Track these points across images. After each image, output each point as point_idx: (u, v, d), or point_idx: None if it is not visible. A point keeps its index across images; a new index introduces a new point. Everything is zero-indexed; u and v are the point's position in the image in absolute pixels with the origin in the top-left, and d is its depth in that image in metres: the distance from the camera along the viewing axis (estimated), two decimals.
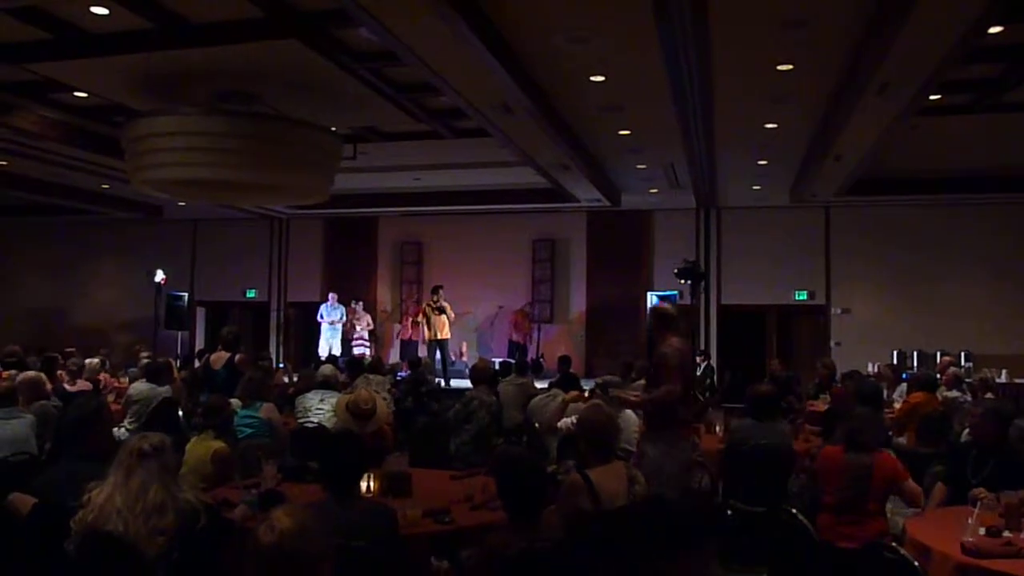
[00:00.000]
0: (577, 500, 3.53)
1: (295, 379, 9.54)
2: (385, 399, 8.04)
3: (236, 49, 7.73)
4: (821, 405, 8.41)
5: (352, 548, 2.90)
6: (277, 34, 7.44)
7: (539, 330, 15.45)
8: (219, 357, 7.67)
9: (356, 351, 14.36)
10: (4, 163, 12.78)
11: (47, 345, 12.38)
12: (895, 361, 13.13)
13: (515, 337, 15.05)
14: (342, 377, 8.25)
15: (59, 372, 8.90)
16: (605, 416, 4.04)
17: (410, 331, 15.58)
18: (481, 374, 7.61)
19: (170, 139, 8.74)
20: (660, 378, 4.97)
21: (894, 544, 3.53)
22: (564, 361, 10.52)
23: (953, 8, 5.85)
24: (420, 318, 14.00)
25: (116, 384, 9.66)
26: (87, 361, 9.55)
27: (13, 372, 7.55)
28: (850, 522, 4.15)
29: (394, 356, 15.32)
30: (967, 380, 10.56)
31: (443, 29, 6.21)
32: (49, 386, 7.61)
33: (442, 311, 13.57)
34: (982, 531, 3.41)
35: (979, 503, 3.64)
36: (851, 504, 4.17)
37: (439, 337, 13.65)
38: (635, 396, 5.35)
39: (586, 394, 7.00)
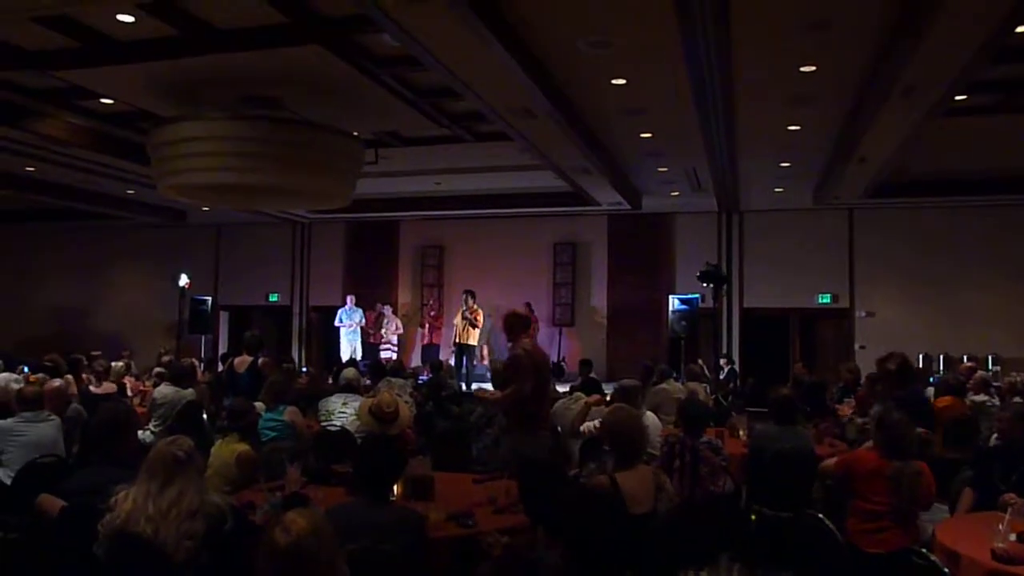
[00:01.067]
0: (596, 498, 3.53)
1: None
2: (407, 403, 8.07)
3: (260, 55, 7.80)
4: (846, 410, 8.33)
5: (379, 551, 2.91)
6: (300, 40, 7.49)
7: (560, 333, 15.43)
8: (243, 361, 7.73)
9: (384, 355, 14.41)
10: (31, 168, 12.96)
11: (71, 348, 12.51)
12: (920, 365, 12.98)
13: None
14: (365, 381, 8.28)
15: (84, 375, 9.00)
16: (629, 419, 4.03)
17: (429, 336, 15.61)
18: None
19: (195, 144, 8.83)
20: (513, 379, 5.37)
21: (924, 550, 3.48)
22: (585, 364, 10.50)
23: (979, 8, 5.78)
24: (457, 320, 14.01)
25: (141, 387, 9.75)
26: (113, 364, 9.66)
27: (42, 376, 7.64)
28: (884, 528, 4.07)
29: (416, 360, 15.36)
30: (995, 384, 10.43)
31: (465, 34, 6.22)
32: (74, 388, 7.73)
33: (472, 323, 13.60)
34: (1013, 537, 3.36)
35: (1010, 508, 3.59)
36: (899, 512, 4.06)
37: (465, 342, 13.67)
38: (491, 395, 5.95)
39: (608, 398, 6.96)
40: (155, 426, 7.14)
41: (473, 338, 13.80)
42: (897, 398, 6.08)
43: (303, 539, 2.18)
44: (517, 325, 5.69)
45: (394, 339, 15.04)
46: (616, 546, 3.24)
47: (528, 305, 14.99)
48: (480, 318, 13.84)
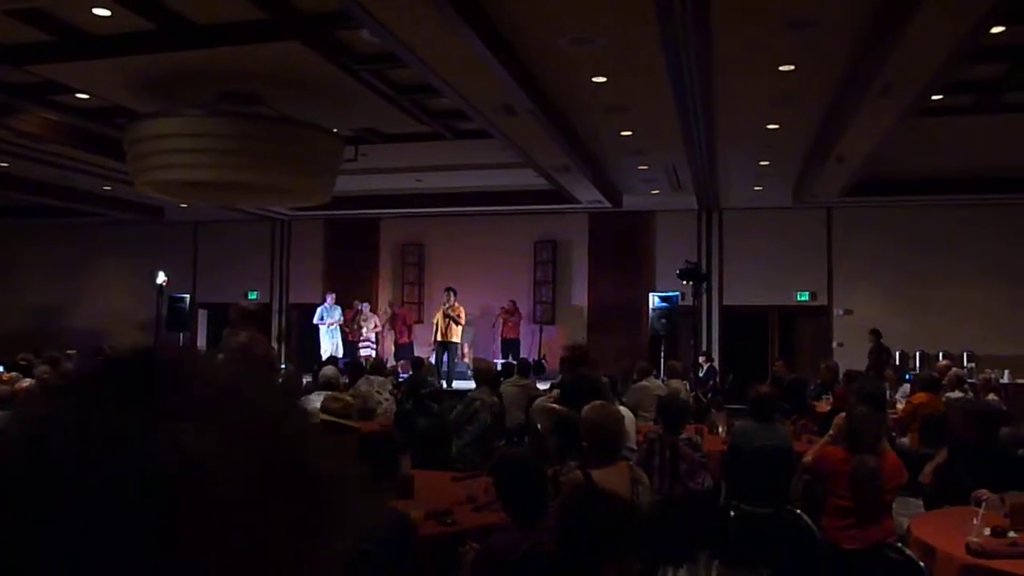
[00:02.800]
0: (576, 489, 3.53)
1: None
2: (387, 400, 8.06)
3: (238, 50, 7.74)
4: (824, 406, 8.40)
5: (362, 550, 2.89)
6: (279, 36, 7.45)
7: (541, 331, 15.45)
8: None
9: (363, 352, 14.35)
10: (5, 165, 12.79)
11: (48, 345, 12.37)
12: (897, 362, 13.12)
13: (504, 333, 15.02)
14: (344, 379, 8.24)
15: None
16: (609, 416, 4.03)
17: (401, 334, 15.50)
18: (483, 375, 7.61)
19: (172, 141, 8.75)
20: None
21: (899, 545, 3.51)
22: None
23: (956, 8, 5.84)
24: (438, 318, 13.95)
25: None
26: None
27: (15, 375, 7.55)
28: (857, 524, 4.12)
29: (389, 359, 15.29)
30: (969, 381, 10.56)
31: (445, 31, 6.21)
32: None
33: (454, 320, 13.56)
34: (987, 531, 3.40)
35: (984, 503, 3.63)
36: (867, 507, 4.12)
37: (445, 339, 13.64)
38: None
39: None
40: None
41: (455, 335, 13.78)
42: (860, 390, 6.16)
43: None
44: (245, 318, 6.01)
45: (373, 337, 14.97)
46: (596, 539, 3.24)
47: (513, 302, 15.06)
48: (462, 315, 13.81)
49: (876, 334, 12.94)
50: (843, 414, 4.93)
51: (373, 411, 7.58)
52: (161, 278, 14.91)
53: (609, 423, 3.93)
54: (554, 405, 6.82)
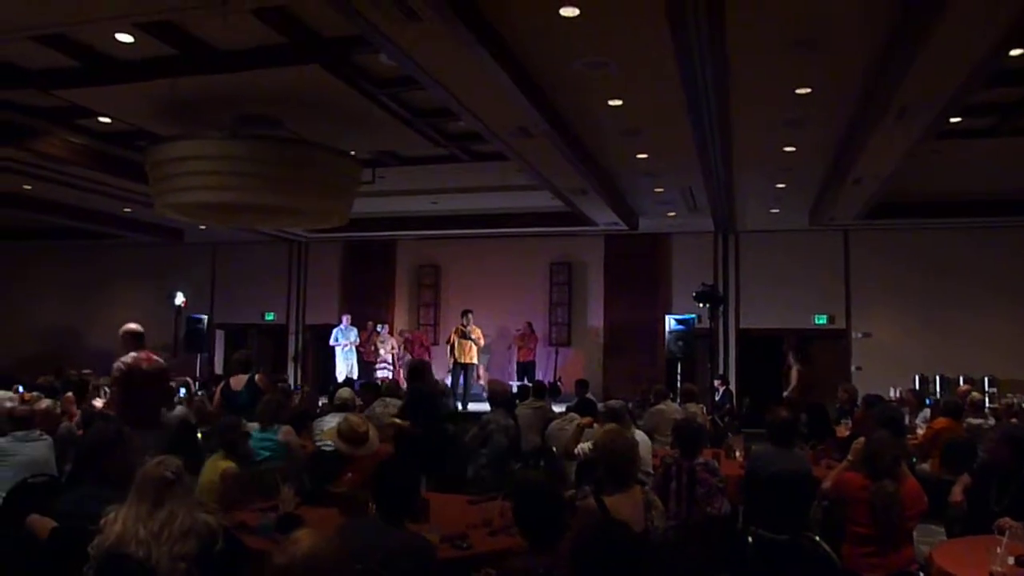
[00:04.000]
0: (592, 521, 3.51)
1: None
2: (395, 419, 8.03)
3: (258, 74, 7.83)
4: (843, 431, 8.31)
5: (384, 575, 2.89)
6: (298, 60, 7.53)
7: (556, 353, 15.41)
8: (239, 380, 7.70)
9: (380, 374, 14.36)
10: (28, 187, 12.97)
11: (65, 367, 12.45)
12: (917, 386, 12.97)
13: (520, 357, 14.99)
14: (359, 401, 8.24)
15: (68, 395, 8.88)
16: (623, 441, 4.01)
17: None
18: (499, 397, 7.59)
19: (193, 163, 8.84)
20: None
21: (921, 574, 3.46)
22: (582, 385, 10.47)
23: (973, 31, 5.82)
24: (452, 340, 13.95)
25: None
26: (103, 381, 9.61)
27: (35, 395, 7.61)
28: (878, 552, 4.05)
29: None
30: (990, 406, 10.42)
31: (461, 54, 6.26)
32: (73, 408, 7.70)
33: (467, 336, 13.55)
34: (1011, 560, 3.34)
35: (1008, 532, 3.57)
36: (887, 534, 4.06)
37: (464, 361, 13.61)
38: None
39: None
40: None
41: (472, 356, 13.76)
42: (879, 415, 6.09)
43: (297, 562, 2.17)
44: (135, 339, 6.64)
45: (389, 358, 14.99)
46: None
47: (529, 324, 15.05)
48: (481, 337, 13.80)
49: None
50: (861, 439, 4.87)
51: (388, 432, 7.56)
52: (179, 299, 15.03)
53: (622, 449, 3.91)
54: (395, 419, 6.94)
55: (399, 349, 15.45)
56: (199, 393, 10.48)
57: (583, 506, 3.64)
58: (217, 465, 4.75)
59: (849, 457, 4.87)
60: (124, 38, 7.25)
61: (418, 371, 7.21)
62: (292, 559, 2.17)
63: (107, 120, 9.79)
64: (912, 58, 6.17)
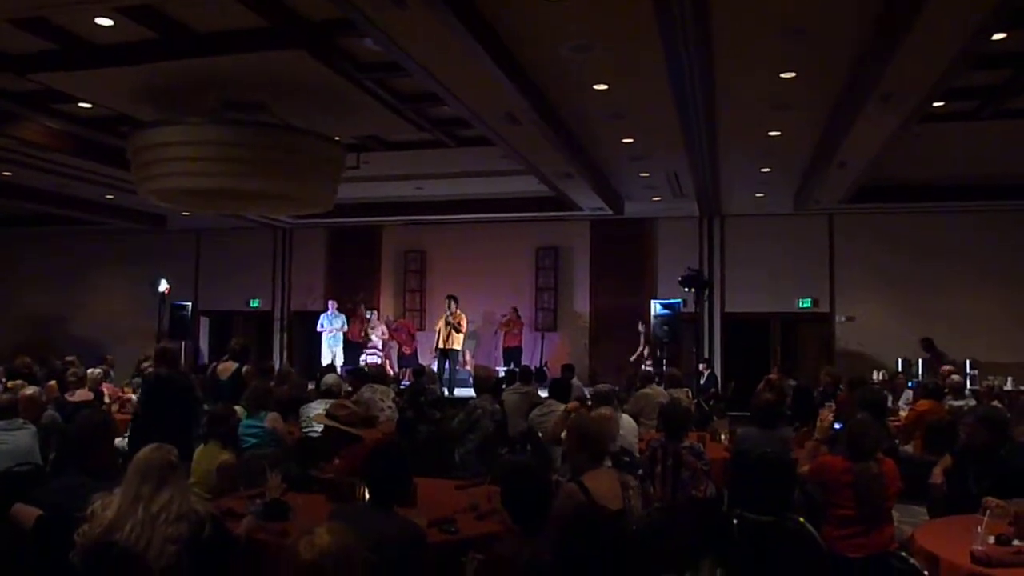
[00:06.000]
0: (574, 505, 3.56)
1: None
2: (389, 407, 8.04)
3: (241, 59, 7.75)
4: (827, 414, 8.36)
5: (375, 561, 2.90)
6: (282, 44, 7.46)
7: (542, 338, 15.43)
8: (226, 368, 7.67)
9: (369, 359, 14.31)
10: (8, 173, 12.82)
11: (48, 355, 12.36)
12: (899, 369, 13.09)
13: (506, 342, 14.98)
14: (346, 387, 8.23)
15: (51, 383, 8.82)
16: (596, 423, 4.11)
17: (408, 346, 15.46)
18: (484, 383, 7.60)
19: (176, 149, 8.76)
20: None
21: (903, 553, 3.50)
22: (567, 369, 10.50)
23: (957, 15, 5.85)
24: (440, 325, 13.88)
25: (120, 394, 9.64)
26: (89, 371, 9.53)
27: (19, 383, 7.54)
28: (862, 532, 4.10)
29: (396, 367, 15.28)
30: (972, 388, 10.54)
31: (446, 39, 6.22)
32: (50, 396, 7.63)
33: (455, 328, 13.48)
34: (992, 540, 3.39)
35: (988, 511, 3.62)
36: (869, 515, 4.10)
37: (447, 346, 13.57)
38: None
39: (589, 403, 6.96)
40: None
41: (457, 343, 13.70)
42: (861, 397, 6.15)
43: (327, 557, 2.17)
44: None
45: (379, 343, 14.96)
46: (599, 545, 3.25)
47: (514, 309, 15.04)
48: (463, 323, 13.73)
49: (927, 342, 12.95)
50: (827, 414, 4.95)
51: (376, 419, 7.57)
52: (163, 286, 14.94)
53: (595, 430, 4.01)
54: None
55: (389, 336, 15.43)
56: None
57: (565, 489, 3.69)
58: (213, 456, 4.74)
59: (817, 436, 4.92)
60: (104, 21, 7.15)
61: (160, 357, 6.99)
62: (319, 555, 2.17)
63: (87, 105, 9.68)
64: (898, 42, 6.19)
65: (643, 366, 13.20)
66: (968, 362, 13.02)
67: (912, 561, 3.31)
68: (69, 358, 10.65)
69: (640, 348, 14.20)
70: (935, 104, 8.40)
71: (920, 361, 13.38)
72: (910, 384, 10.91)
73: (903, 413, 8.48)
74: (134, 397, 7.92)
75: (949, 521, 4.12)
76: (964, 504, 4.13)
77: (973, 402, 8.59)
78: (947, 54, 6.58)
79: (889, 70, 6.81)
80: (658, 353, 13.36)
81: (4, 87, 9.06)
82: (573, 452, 4.08)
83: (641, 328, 14.24)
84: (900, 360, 13.45)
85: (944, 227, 13.94)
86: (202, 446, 5.02)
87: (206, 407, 7.07)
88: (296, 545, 2.21)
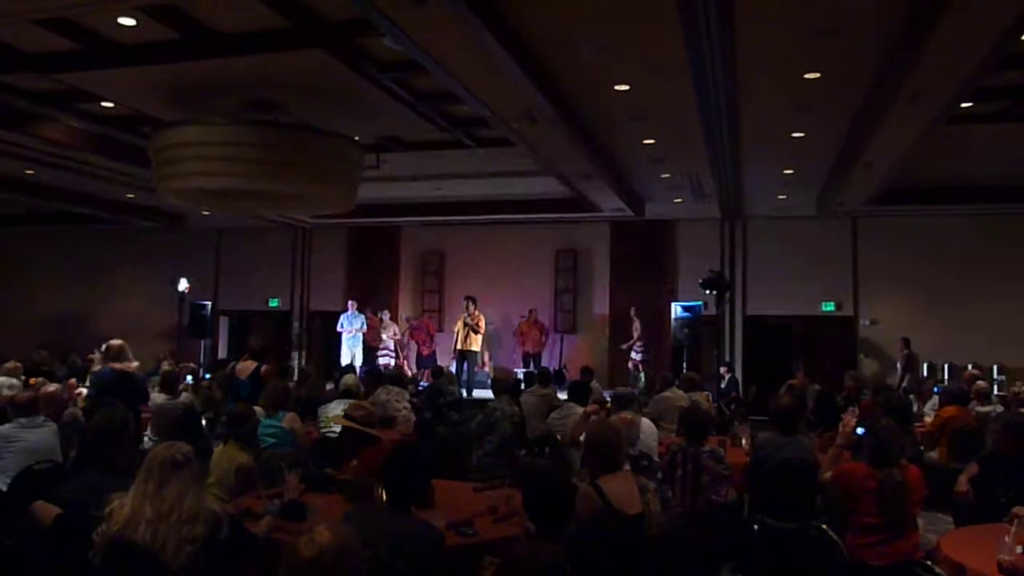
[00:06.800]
0: (590, 509, 3.55)
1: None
2: (405, 408, 8.06)
3: (262, 59, 7.81)
4: (849, 419, 8.28)
5: (392, 562, 2.90)
6: (302, 44, 7.51)
7: (561, 340, 15.42)
8: (245, 367, 7.73)
9: (381, 361, 14.38)
10: (30, 172, 12.97)
11: (69, 353, 12.50)
12: (925, 374, 12.96)
13: (527, 348, 14.97)
14: (362, 388, 8.25)
15: (71, 381, 8.89)
16: (611, 430, 4.11)
17: (427, 346, 15.49)
18: (503, 384, 7.58)
19: (196, 148, 8.85)
20: None
21: (928, 562, 3.46)
22: (586, 372, 10.47)
23: (986, 15, 5.77)
24: (458, 327, 13.92)
25: None
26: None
27: (40, 380, 7.63)
28: (886, 540, 4.05)
29: (413, 368, 15.33)
30: (999, 393, 10.40)
31: (466, 38, 6.23)
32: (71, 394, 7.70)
33: (474, 329, 13.50)
34: (1019, 549, 3.34)
35: (1016, 521, 3.56)
36: (894, 523, 4.05)
37: (466, 348, 13.59)
38: None
39: (608, 405, 6.94)
40: (153, 432, 7.11)
41: (475, 344, 13.74)
42: (886, 402, 6.07)
43: (326, 554, 2.19)
44: None
45: (391, 344, 15.00)
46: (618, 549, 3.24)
47: (532, 312, 15.04)
48: (482, 324, 13.78)
49: (906, 342, 12.98)
50: (850, 419, 4.90)
51: (393, 420, 7.59)
52: (183, 285, 15.07)
53: (610, 436, 4.01)
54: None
55: (403, 336, 15.45)
56: (206, 378, 10.50)
57: (582, 492, 3.68)
58: (232, 456, 4.76)
59: (839, 442, 4.88)
60: (127, 21, 7.22)
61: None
62: (319, 552, 2.19)
63: (109, 105, 9.78)
64: (926, 42, 6.12)
65: (632, 353, 14.14)
66: (995, 367, 12.87)
67: (937, 570, 3.27)
68: (91, 356, 10.75)
69: (634, 339, 14.43)
70: (963, 105, 8.30)
71: (946, 366, 13.25)
72: (936, 389, 10.79)
73: (928, 419, 8.39)
74: (154, 397, 7.97)
75: (976, 530, 4.07)
76: (991, 512, 4.08)
77: (1000, 408, 8.48)
78: (976, 54, 6.50)
79: (918, 70, 6.73)
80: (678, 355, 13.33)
81: (27, 86, 9.17)
82: (591, 456, 4.07)
83: (634, 315, 14.53)
84: (925, 365, 13.30)
85: (971, 230, 13.76)
86: (221, 446, 5.04)
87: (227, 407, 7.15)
88: (297, 543, 2.23)
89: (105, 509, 2.97)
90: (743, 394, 13.17)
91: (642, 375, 13.74)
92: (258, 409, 6.14)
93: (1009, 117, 9.31)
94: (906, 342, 13.03)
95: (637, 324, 14.45)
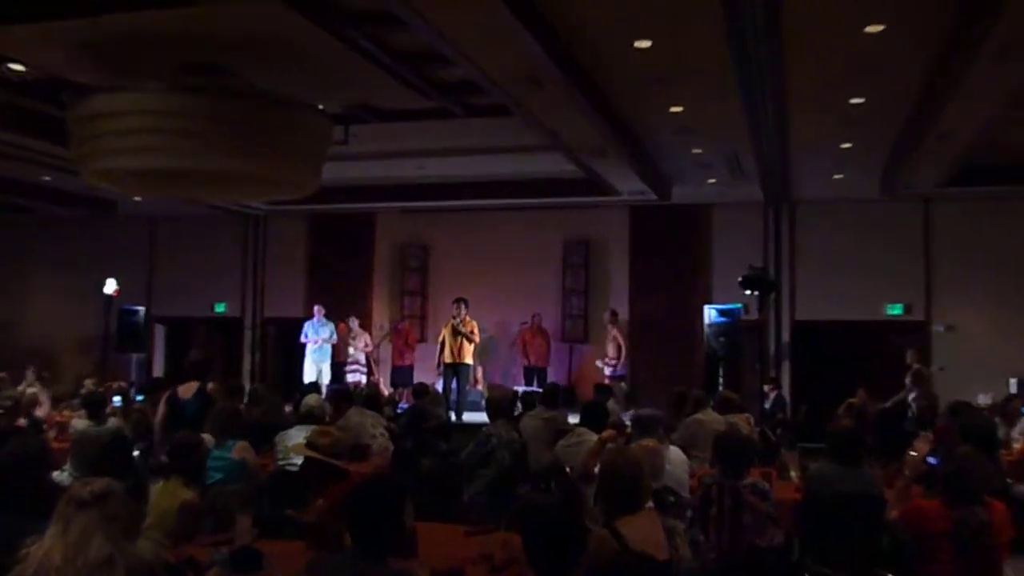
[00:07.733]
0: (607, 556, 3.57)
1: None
2: (382, 435, 8.07)
3: (204, 11, 7.81)
4: (921, 445, 8.30)
5: None
6: None
7: (571, 351, 15.43)
8: (188, 387, 7.71)
9: (350, 378, 14.38)
10: None
11: None
12: (1014, 391, 12.96)
13: (529, 361, 14.96)
14: (328, 410, 8.25)
15: None
16: (631, 460, 4.11)
17: (405, 356, 15.48)
18: (498, 406, 7.58)
19: (126, 120, 8.85)
20: None
21: None
22: (601, 390, 10.47)
23: None
24: (445, 334, 13.77)
25: (58, 418, 9.74)
26: (19, 390, 9.63)
27: None
28: None
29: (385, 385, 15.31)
30: None
31: None
32: None
33: (467, 338, 13.35)
34: None
35: None
36: (973, 571, 4.05)
37: (456, 361, 13.38)
38: None
39: (628, 430, 6.95)
40: (73, 466, 7.11)
41: (468, 356, 13.47)
42: (965, 425, 6.08)
43: None
44: None
45: (361, 357, 14.99)
46: None
47: (536, 317, 15.04)
48: (476, 331, 13.54)
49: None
50: (922, 446, 4.90)
51: (367, 449, 7.59)
52: (111, 287, 15.05)
53: (629, 469, 4.02)
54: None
55: (375, 347, 15.38)
56: (139, 400, 10.50)
57: (596, 536, 3.69)
58: (175, 494, 4.77)
59: (907, 472, 4.88)
60: None
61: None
62: None
63: (20, 68, 9.78)
64: None
65: (605, 367, 14.24)
66: None
67: None
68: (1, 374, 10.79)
69: (611, 355, 14.46)
70: None
71: None
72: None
73: (1017, 445, 8.40)
74: (75, 423, 7.97)
75: None
76: None
77: None
78: None
79: (1004, 18, 6.72)
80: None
81: None
82: (606, 492, 4.08)
83: (608, 321, 14.61)
84: (1014, 381, 13.30)
85: None
86: (161, 482, 5.05)
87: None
88: None
89: (19, 554, 2.99)
90: (792, 416, 13.18)
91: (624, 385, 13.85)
92: (207, 437, 6.15)
93: None
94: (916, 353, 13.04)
95: (615, 333, 14.44)
